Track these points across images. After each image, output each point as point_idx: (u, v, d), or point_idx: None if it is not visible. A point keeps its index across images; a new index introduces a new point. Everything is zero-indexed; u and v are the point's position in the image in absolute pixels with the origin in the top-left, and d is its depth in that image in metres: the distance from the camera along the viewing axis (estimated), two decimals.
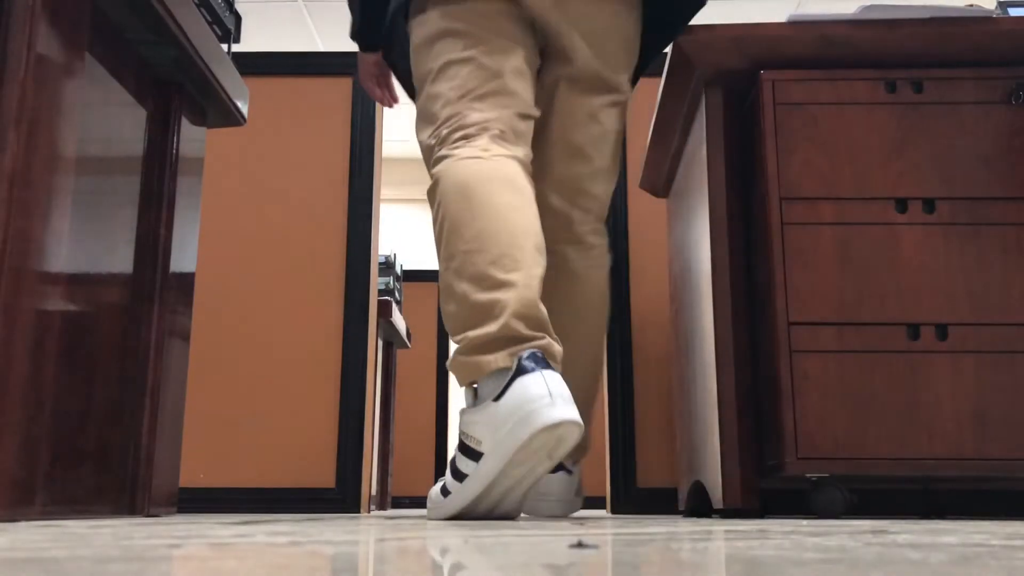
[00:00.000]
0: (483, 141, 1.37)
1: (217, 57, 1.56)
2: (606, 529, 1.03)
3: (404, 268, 4.66)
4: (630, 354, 2.66)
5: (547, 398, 1.11)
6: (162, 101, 1.52)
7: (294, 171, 2.80)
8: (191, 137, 1.59)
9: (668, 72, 1.87)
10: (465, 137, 1.38)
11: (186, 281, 1.56)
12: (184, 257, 1.55)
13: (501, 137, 1.39)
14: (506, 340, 1.19)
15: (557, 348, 1.24)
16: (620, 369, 2.64)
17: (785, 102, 1.66)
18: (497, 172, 1.32)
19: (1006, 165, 1.60)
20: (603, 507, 4.21)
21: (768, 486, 1.87)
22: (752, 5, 5.11)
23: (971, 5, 1.71)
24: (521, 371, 1.14)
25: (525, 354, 1.16)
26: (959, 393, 1.51)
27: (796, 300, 1.56)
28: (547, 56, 1.54)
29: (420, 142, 1.46)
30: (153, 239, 1.47)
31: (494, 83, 1.40)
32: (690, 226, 2.01)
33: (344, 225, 2.75)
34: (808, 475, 1.51)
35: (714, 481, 1.68)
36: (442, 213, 1.32)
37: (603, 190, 1.64)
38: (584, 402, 1.53)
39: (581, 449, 1.64)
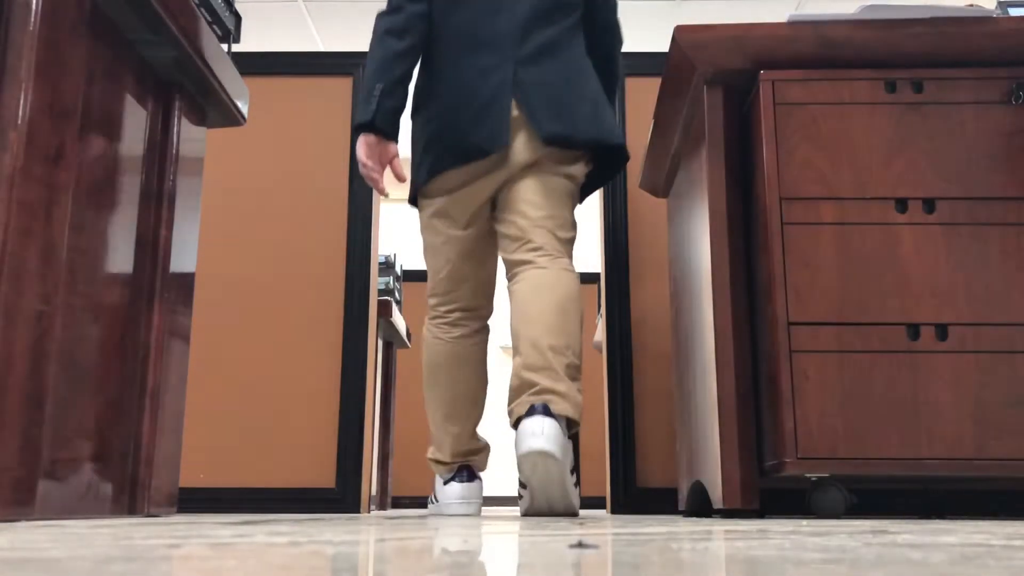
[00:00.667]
0: (448, 324, 2.10)
1: (217, 57, 1.56)
2: (606, 529, 1.03)
3: (404, 268, 4.66)
4: (630, 354, 2.66)
5: (461, 498, 2.07)
6: (162, 101, 1.52)
7: (294, 171, 2.80)
8: (191, 137, 1.59)
9: (668, 72, 1.87)
10: (439, 317, 2.11)
11: (186, 281, 1.56)
12: (184, 257, 1.55)
13: (463, 316, 2.09)
14: (446, 465, 2.13)
15: (477, 462, 2.14)
16: (620, 369, 2.64)
17: (785, 102, 1.66)
18: (452, 354, 2.07)
19: (1006, 165, 1.61)
20: (603, 507, 4.22)
21: (768, 486, 1.87)
22: (752, 5, 5.11)
23: (971, 5, 1.71)
24: (451, 480, 2.10)
25: (452, 474, 2.11)
26: (959, 393, 1.51)
27: (796, 300, 1.56)
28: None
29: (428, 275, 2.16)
30: (153, 239, 1.47)
31: (457, 275, 2.08)
32: (690, 226, 2.01)
33: (344, 225, 2.75)
34: (808, 475, 1.51)
35: (714, 481, 1.68)
36: (424, 369, 2.13)
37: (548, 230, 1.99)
38: (551, 363, 1.79)
39: (574, 406, 1.82)
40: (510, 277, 1.96)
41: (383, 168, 1.95)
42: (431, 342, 2.10)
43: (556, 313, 1.80)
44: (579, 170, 2.00)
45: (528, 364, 1.75)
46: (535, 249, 1.91)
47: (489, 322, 2.16)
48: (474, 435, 2.12)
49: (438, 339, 2.09)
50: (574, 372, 1.79)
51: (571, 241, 1.99)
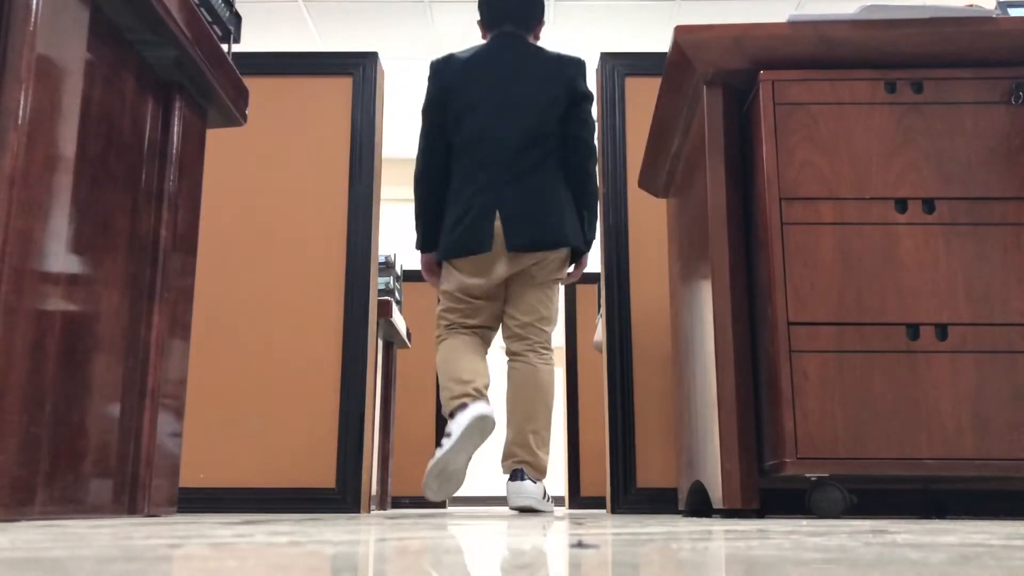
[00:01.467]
0: (459, 329, 2.67)
1: (217, 57, 1.56)
2: (606, 529, 1.03)
3: (404, 268, 4.66)
4: (630, 354, 2.66)
5: (471, 416, 2.40)
6: (162, 101, 1.52)
7: (294, 171, 2.80)
8: (191, 137, 1.59)
9: (668, 72, 1.87)
10: (448, 327, 2.68)
11: (186, 281, 1.56)
12: (184, 257, 1.55)
13: (463, 327, 2.66)
14: (457, 401, 2.47)
15: (477, 391, 2.49)
16: (620, 369, 2.63)
17: (785, 102, 1.66)
18: (457, 344, 2.62)
19: (1006, 165, 1.61)
20: (603, 507, 4.21)
21: (768, 486, 1.87)
22: (752, 5, 5.11)
23: (971, 5, 1.71)
24: (460, 408, 2.44)
25: (461, 402, 2.47)
26: (959, 393, 1.51)
27: (796, 300, 1.56)
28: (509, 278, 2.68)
29: (437, 312, 2.73)
30: (153, 239, 1.47)
31: (466, 315, 2.68)
32: (690, 226, 2.01)
33: (344, 225, 2.75)
34: (808, 475, 1.51)
35: (714, 481, 1.68)
36: (439, 361, 2.64)
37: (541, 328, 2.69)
38: (528, 441, 2.57)
39: (539, 470, 2.55)
40: (508, 357, 2.69)
41: (433, 272, 2.77)
42: (442, 344, 2.66)
43: (534, 403, 2.59)
44: (555, 263, 2.59)
45: (513, 440, 2.58)
46: (527, 345, 2.63)
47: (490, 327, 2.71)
48: (480, 388, 2.53)
49: (445, 339, 2.66)
50: (540, 440, 2.59)
51: (553, 326, 2.70)
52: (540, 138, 2.59)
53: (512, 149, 2.57)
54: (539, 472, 2.59)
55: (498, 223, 2.53)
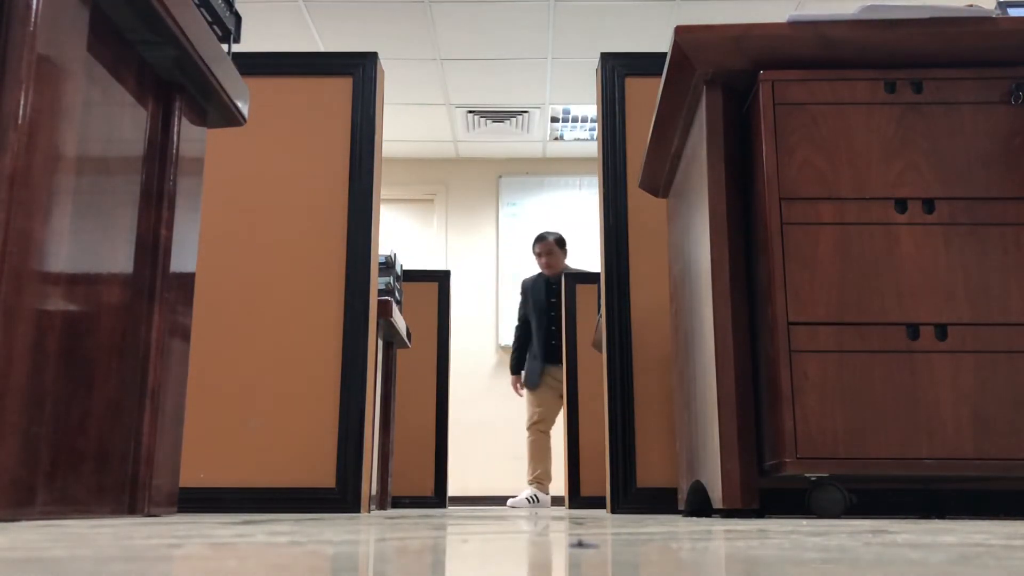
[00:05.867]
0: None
1: (217, 57, 1.56)
2: (606, 529, 1.03)
3: (404, 268, 4.66)
4: (630, 354, 2.65)
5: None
6: (162, 101, 1.52)
7: (294, 171, 2.80)
8: (191, 137, 1.59)
9: (668, 72, 1.87)
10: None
11: (186, 281, 1.56)
12: (184, 257, 1.55)
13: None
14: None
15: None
16: (620, 369, 2.63)
17: (784, 102, 1.66)
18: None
19: (1006, 165, 1.61)
20: (603, 507, 4.21)
21: (768, 486, 1.87)
22: (752, 5, 5.11)
23: (971, 5, 1.71)
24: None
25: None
26: (959, 393, 1.51)
27: (796, 300, 1.56)
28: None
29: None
30: (153, 239, 1.47)
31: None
32: (690, 226, 2.01)
33: (344, 225, 2.75)
34: (808, 475, 1.51)
35: (714, 481, 1.68)
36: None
37: None
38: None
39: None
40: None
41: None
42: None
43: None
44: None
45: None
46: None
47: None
48: None
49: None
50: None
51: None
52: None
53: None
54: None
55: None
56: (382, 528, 1.07)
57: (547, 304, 5.36)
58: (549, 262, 5.36)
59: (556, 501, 5.81)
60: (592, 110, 6.69)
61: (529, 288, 5.50)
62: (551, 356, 5.24)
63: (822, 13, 1.72)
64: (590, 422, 4.49)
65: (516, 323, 5.53)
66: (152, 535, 0.79)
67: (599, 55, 2.95)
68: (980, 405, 1.50)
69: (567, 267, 5.42)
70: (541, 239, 5.42)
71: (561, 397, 4.95)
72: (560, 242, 5.41)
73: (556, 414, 5.28)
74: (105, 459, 1.31)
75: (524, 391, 5.37)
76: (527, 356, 5.35)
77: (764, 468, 1.61)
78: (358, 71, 2.86)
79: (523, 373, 5.34)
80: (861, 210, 1.60)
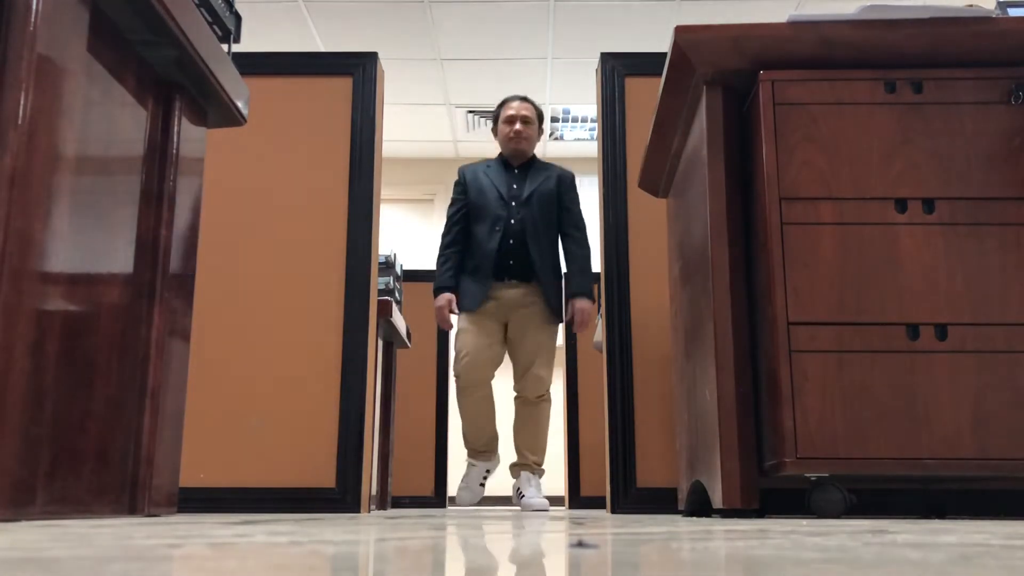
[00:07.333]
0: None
1: (217, 57, 1.56)
2: (606, 529, 1.03)
3: (404, 268, 4.66)
4: (630, 354, 2.65)
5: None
6: (162, 101, 1.52)
7: (294, 171, 2.80)
8: (191, 137, 1.59)
9: (668, 72, 1.87)
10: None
11: (186, 281, 1.56)
12: (184, 257, 1.55)
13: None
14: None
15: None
16: (620, 369, 2.63)
17: (784, 102, 1.66)
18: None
19: (1005, 165, 1.60)
20: (603, 507, 4.21)
21: (768, 486, 1.87)
22: (752, 5, 5.11)
23: (971, 5, 1.71)
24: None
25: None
26: (959, 393, 1.51)
27: (796, 300, 1.56)
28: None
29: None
30: (153, 239, 1.47)
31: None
32: (690, 226, 2.01)
33: (344, 225, 2.75)
34: (808, 475, 1.51)
35: (714, 481, 1.68)
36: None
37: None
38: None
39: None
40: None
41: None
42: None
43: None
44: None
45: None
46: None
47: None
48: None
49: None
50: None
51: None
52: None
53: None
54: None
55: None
56: (382, 528, 1.07)
57: (507, 194, 3.48)
58: (526, 132, 3.55)
59: (556, 501, 5.81)
60: (592, 110, 6.69)
61: (476, 174, 3.56)
62: (502, 272, 3.42)
63: (822, 13, 1.72)
64: (590, 422, 4.49)
65: (444, 227, 3.63)
66: (152, 535, 0.79)
67: (599, 55, 2.95)
68: (980, 405, 1.50)
69: (536, 158, 3.67)
70: (525, 98, 3.65)
71: (507, 343, 3.43)
72: (541, 118, 3.67)
73: (494, 363, 3.46)
74: (105, 459, 1.31)
75: (458, 319, 3.52)
76: (463, 276, 3.50)
77: (764, 468, 1.61)
78: (358, 71, 2.86)
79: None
80: (861, 210, 1.60)
